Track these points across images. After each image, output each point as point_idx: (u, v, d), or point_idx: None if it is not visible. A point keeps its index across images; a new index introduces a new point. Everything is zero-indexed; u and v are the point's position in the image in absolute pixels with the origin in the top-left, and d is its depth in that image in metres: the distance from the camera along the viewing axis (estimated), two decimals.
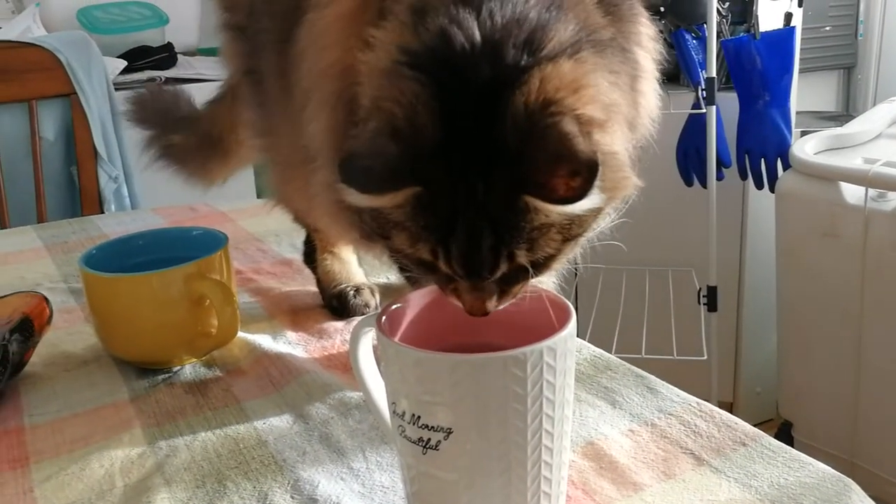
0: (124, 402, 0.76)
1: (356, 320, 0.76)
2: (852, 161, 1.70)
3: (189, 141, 1.08)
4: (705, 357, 1.92)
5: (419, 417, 0.49)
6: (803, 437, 1.94)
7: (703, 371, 2.06)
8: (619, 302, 1.85)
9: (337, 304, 0.92)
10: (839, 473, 0.62)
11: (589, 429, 0.68)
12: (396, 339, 0.54)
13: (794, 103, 2.15)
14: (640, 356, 1.84)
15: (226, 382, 0.79)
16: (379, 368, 0.56)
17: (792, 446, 1.90)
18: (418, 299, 0.57)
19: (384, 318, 0.53)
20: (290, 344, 0.86)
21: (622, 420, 0.70)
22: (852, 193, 1.67)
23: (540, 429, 0.50)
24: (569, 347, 0.50)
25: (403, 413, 0.50)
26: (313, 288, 1.00)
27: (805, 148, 1.77)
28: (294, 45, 0.67)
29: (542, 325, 0.53)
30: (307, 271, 1.06)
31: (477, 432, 0.49)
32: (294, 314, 0.94)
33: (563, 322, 0.52)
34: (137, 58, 2.07)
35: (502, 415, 0.48)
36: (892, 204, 1.62)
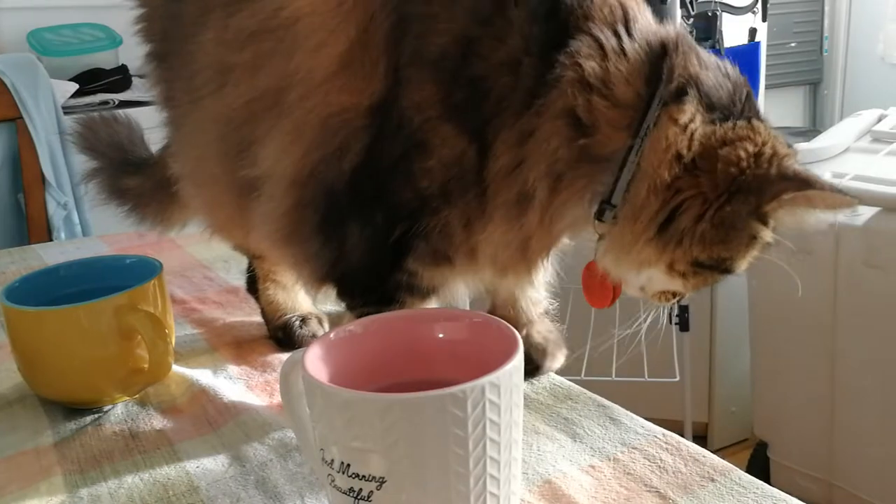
0: (47, 446, 0.70)
1: None
2: (821, 176, 1.68)
3: (144, 186, 0.98)
4: (678, 378, 1.88)
5: (349, 466, 0.44)
6: (779, 458, 1.90)
7: (676, 392, 2.02)
8: (588, 324, 1.81)
9: (282, 335, 0.87)
10: None
11: (546, 465, 0.63)
12: (328, 377, 0.49)
13: None
14: (610, 378, 1.79)
15: (159, 422, 0.73)
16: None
17: (768, 467, 1.85)
18: (357, 331, 0.52)
19: (311, 353, 0.48)
20: (231, 378, 0.81)
21: (583, 455, 0.65)
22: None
23: (484, 474, 0.45)
24: (515, 382, 0.45)
25: (332, 461, 0.45)
26: (259, 318, 0.95)
27: None
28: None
29: (496, 356, 0.48)
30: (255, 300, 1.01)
31: (413, 481, 0.44)
32: (238, 346, 0.88)
33: (510, 353, 0.47)
34: (90, 81, 2.01)
35: (441, 460, 0.43)
36: (862, 219, 1.59)
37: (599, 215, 0.61)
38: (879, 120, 1.87)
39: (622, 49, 0.58)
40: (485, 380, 0.43)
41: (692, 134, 0.58)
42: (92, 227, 1.72)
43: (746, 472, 2.00)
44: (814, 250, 1.65)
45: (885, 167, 1.67)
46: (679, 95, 0.58)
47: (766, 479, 1.92)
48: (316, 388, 0.45)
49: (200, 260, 1.17)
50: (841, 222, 1.60)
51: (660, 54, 0.59)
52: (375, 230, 0.64)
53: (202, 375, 0.81)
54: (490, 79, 0.57)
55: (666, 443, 0.66)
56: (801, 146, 1.81)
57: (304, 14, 0.62)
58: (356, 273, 0.66)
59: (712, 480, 0.61)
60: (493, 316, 0.51)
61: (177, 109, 0.78)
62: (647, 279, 0.65)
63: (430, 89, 0.58)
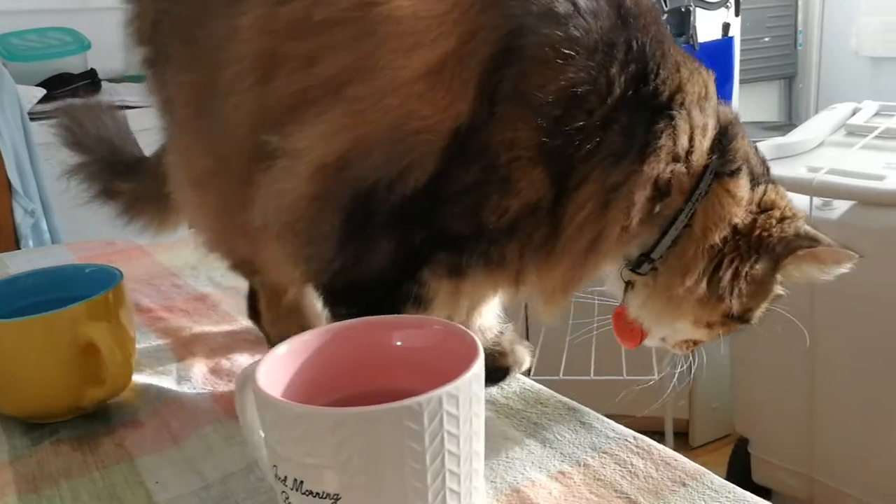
0: (2, 464, 0.68)
1: None
2: (796, 170, 1.67)
3: (138, 191, 0.94)
4: (656, 376, 1.87)
5: (302, 482, 0.42)
6: (760, 453, 1.89)
7: (656, 389, 2.01)
8: (566, 323, 1.80)
9: None
10: None
11: (515, 473, 0.62)
12: (282, 390, 0.47)
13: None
14: (589, 378, 1.78)
15: (119, 436, 0.71)
16: None
17: (748, 462, 1.84)
18: (312, 341, 0.50)
19: (264, 366, 0.46)
20: (196, 389, 0.79)
21: (552, 460, 0.63)
22: (797, 203, 1.63)
23: (443, 488, 0.43)
24: (474, 391, 0.44)
25: (286, 478, 0.43)
26: (227, 326, 0.93)
27: None
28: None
29: (457, 364, 0.46)
30: (223, 306, 0.99)
31: (368, 497, 0.42)
32: (204, 355, 0.86)
33: (470, 361, 0.45)
34: (58, 86, 1.98)
35: (398, 475, 0.42)
36: (837, 212, 1.59)
37: (636, 266, 0.67)
38: (854, 113, 1.87)
39: (705, 126, 0.63)
40: (442, 391, 0.42)
41: (744, 205, 0.65)
42: (61, 235, 1.69)
43: (728, 467, 2.00)
44: None
45: (860, 160, 1.67)
46: (735, 171, 0.65)
47: (747, 475, 1.92)
48: (267, 403, 0.43)
49: (169, 267, 1.15)
50: (816, 216, 1.59)
51: (722, 132, 0.65)
52: (408, 248, 0.62)
53: (166, 387, 0.79)
54: (587, 132, 0.59)
55: (637, 447, 0.65)
56: (777, 141, 1.81)
57: (403, 14, 0.58)
58: (367, 283, 0.63)
59: (684, 485, 0.59)
60: (453, 322, 0.49)
61: (185, 110, 0.73)
62: (675, 330, 0.72)
63: (526, 131, 0.58)
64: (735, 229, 0.65)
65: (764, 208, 0.67)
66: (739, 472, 1.95)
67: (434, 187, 0.60)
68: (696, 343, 0.74)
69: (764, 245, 0.66)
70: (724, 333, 0.71)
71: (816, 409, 1.74)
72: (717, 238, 0.64)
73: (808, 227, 0.68)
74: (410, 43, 0.58)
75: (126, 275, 0.77)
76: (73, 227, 1.71)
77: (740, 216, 0.65)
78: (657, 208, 0.62)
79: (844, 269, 0.69)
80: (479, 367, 0.44)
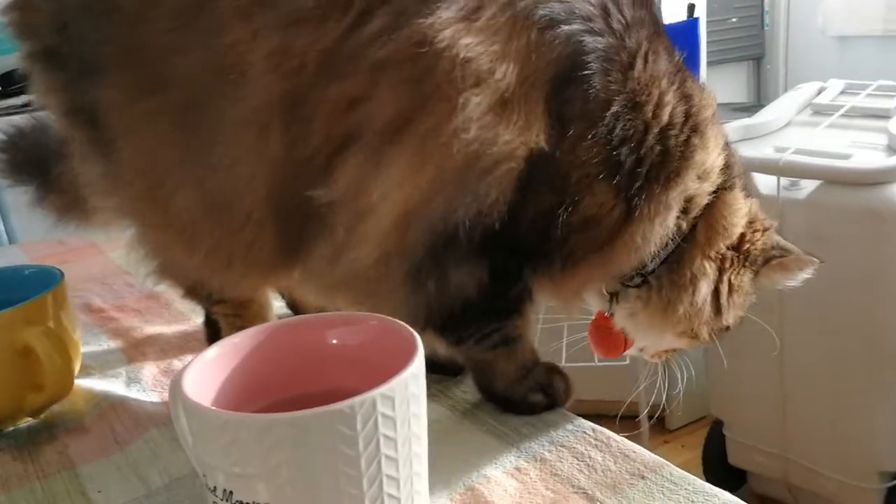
0: None
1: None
2: (763, 151, 1.66)
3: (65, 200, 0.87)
4: (627, 362, 1.86)
5: (231, 493, 0.40)
6: (735, 435, 1.89)
7: (631, 374, 2.01)
8: (537, 312, 1.78)
9: None
10: None
11: (470, 470, 0.60)
12: (212, 396, 0.44)
13: None
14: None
15: (62, 444, 0.68)
16: None
17: (724, 444, 1.83)
18: (243, 343, 0.48)
19: (192, 371, 0.44)
20: (146, 391, 0.76)
21: (508, 456, 0.61)
22: (765, 184, 1.62)
23: (381, 494, 0.41)
24: (412, 392, 0.42)
25: (215, 488, 0.41)
26: (180, 325, 0.90)
27: None
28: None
29: (397, 362, 0.44)
30: (176, 304, 0.96)
31: None
32: (155, 356, 0.83)
33: (408, 357, 0.43)
34: (13, 82, 1.93)
35: (331, 483, 0.40)
36: (804, 192, 1.58)
37: (627, 278, 0.68)
38: (819, 93, 1.86)
39: (721, 144, 0.66)
40: (376, 392, 0.40)
41: (743, 219, 0.68)
42: (18, 234, 1.65)
43: (703, 450, 1.99)
44: None
45: (826, 140, 1.66)
46: (733, 185, 0.67)
47: (723, 457, 1.92)
48: (192, 410, 0.41)
49: (122, 265, 1.12)
50: (784, 196, 1.59)
51: (725, 145, 0.67)
52: (494, 268, 0.62)
53: (114, 389, 0.76)
54: (646, 147, 0.60)
55: (596, 439, 0.63)
56: (744, 122, 1.79)
57: (462, 52, 0.56)
58: (474, 303, 0.63)
59: (642, 478, 0.58)
60: (391, 318, 0.47)
61: (151, 142, 0.64)
62: (662, 340, 0.72)
63: (593, 149, 0.58)
64: (733, 243, 0.67)
65: (751, 220, 0.69)
66: (715, 454, 1.95)
67: (513, 216, 0.59)
68: (674, 352, 0.75)
69: (751, 257, 0.68)
70: (704, 343, 0.72)
71: (788, 390, 1.74)
72: (720, 252, 0.67)
73: (778, 237, 0.71)
74: (474, 77, 0.56)
75: (78, 274, 0.75)
76: (29, 226, 1.67)
77: (740, 230, 0.68)
78: (681, 221, 0.64)
79: (808, 275, 0.72)
80: (416, 366, 0.42)
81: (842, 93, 1.83)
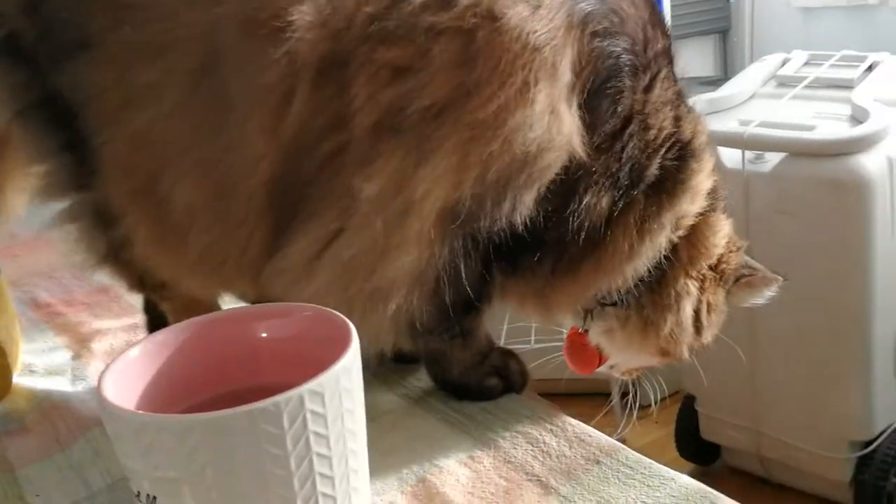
0: None
1: None
2: (728, 124, 1.65)
3: None
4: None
5: (155, 498, 0.38)
6: (706, 410, 1.89)
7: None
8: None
9: None
10: (704, 487, 0.53)
11: (422, 460, 0.58)
12: (136, 397, 0.42)
13: None
14: (530, 347, 1.75)
15: (2, 446, 0.66)
16: None
17: (697, 420, 1.81)
18: (169, 340, 0.46)
19: (113, 371, 0.42)
20: (92, 389, 0.74)
21: (461, 445, 0.60)
22: (730, 157, 1.61)
23: (314, 493, 0.39)
24: (343, 386, 0.40)
25: (139, 493, 0.39)
26: (130, 318, 0.87)
27: None
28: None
29: (332, 353, 0.42)
30: (126, 297, 0.93)
31: None
32: (103, 352, 0.81)
33: (343, 348, 0.41)
34: None
35: (259, 485, 0.38)
36: (769, 165, 1.57)
37: (606, 297, 0.66)
38: (783, 64, 1.85)
39: (713, 169, 0.66)
40: (303, 388, 0.38)
41: (723, 239, 0.68)
42: None
43: (676, 425, 1.97)
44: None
45: (790, 111, 1.65)
46: (716, 206, 0.67)
47: (696, 431, 1.92)
48: (110, 413, 0.39)
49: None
50: (749, 170, 1.58)
51: None
52: (486, 269, 0.61)
53: (58, 388, 0.74)
54: (650, 167, 0.60)
55: (551, 424, 0.61)
56: (709, 96, 1.78)
57: (531, 33, 0.53)
58: (455, 302, 0.61)
59: (597, 463, 0.56)
60: (324, 308, 0.45)
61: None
62: (636, 359, 0.73)
63: (609, 161, 0.58)
64: (712, 263, 0.68)
65: (728, 241, 0.70)
66: (687, 429, 1.95)
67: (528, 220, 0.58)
68: (641, 370, 0.77)
69: (725, 276, 0.69)
70: (685, 360, 0.72)
71: (758, 363, 1.74)
72: (701, 272, 0.67)
73: (746, 257, 0.72)
74: (544, 70, 0.53)
75: (25, 268, 0.72)
76: None
77: (720, 250, 0.68)
78: (673, 237, 0.64)
79: (773, 292, 0.73)
80: (349, 358, 0.40)
81: (806, 64, 1.81)
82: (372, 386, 0.61)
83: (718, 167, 1.59)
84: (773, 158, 1.57)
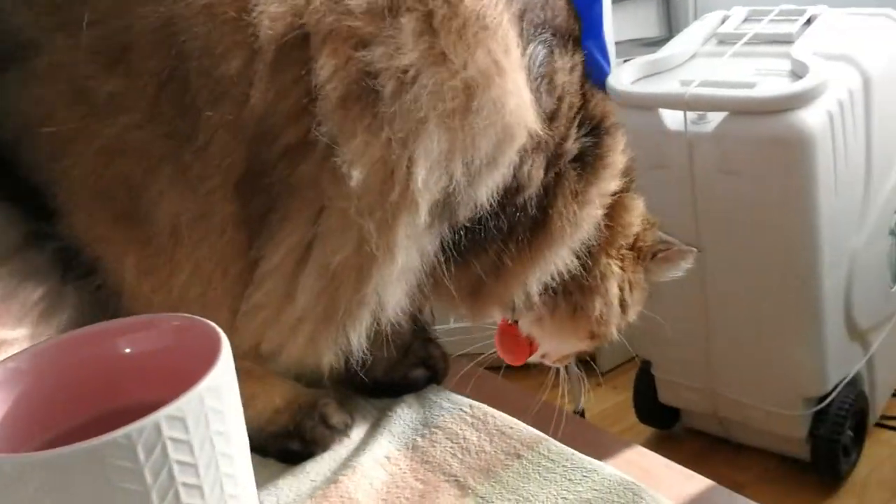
0: None
1: None
2: (669, 85, 1.63)
3: None
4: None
5: None
6: (662, 374, 1.88)
7: None
8: None
9: (298, 444, 0.58)
10: (627, 478, 0.51)
11: (332, 463, 0.55)
12: None
13: (612, 33, 2.06)
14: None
15: None
16: None
17: (653, 384, 1.80)
18: (22, 366, 0.41)
19: None
20: None
21: (379, 443, 0.57)
22: (673, 119, 1.59)
23: None
24: (210, 406, 0.36)
25: None
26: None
27: (621, 77, 1.68)
28: None
29: (203, 365, 0.38)
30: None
31: None
32: None
33: (210, 363, 0.37)
34: None
35: None
36: (712, 125, 1.55)
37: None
38: (723, 21, 1.83)
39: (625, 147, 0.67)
40: (159, 415, 0.34)
41: (639, 219, 0.70)
42: None
43: (634, 390, 1.95)
44: (668, 163, 1.60)
45: (731, 69, 1.62)
46: (630, 187, 0.68)
47: (654, 396, 1.92)
48: None
49: None
50: (692, 131, 1.55)
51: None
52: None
53: None
54: (578, 144, 0.61)
55: (472, 416, 0.59)
56: (649, 57, 1.75)
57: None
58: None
59: (518, 457, 0.54)
60: (193, 316, 0.41)
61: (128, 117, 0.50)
62: (567, 345, 0.73)
63: (553, 140, 0.59)
64: (629, 243, 0.69)
65: (642, 219, 0.71)
66: (645, 394, 1.94)
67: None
68: (575, 355, 0.78)
69: (642, 254, 0.71)
70: (607, 342, 0.74)
71: (711, 325, 1.73)
72: (620, 252, 0.68)
73: (660, 232, 0.73)
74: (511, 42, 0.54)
75: None
76: None
77: (636, 229, 0.70)
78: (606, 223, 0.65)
79: (689, 264, 0.73)
80: (217, 374, 0.37)
81: (745, 20, 1.79)
82: None
83: (661, 131, 1.55)
84: (715, 118, 1.55)
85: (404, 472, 0.53)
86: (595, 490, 0.49)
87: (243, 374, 0.50)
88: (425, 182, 0.50)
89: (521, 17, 0.56)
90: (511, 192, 0.57)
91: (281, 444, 0.57)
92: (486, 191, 0.54)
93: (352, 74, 0.48)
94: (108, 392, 0.41)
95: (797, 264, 1.57)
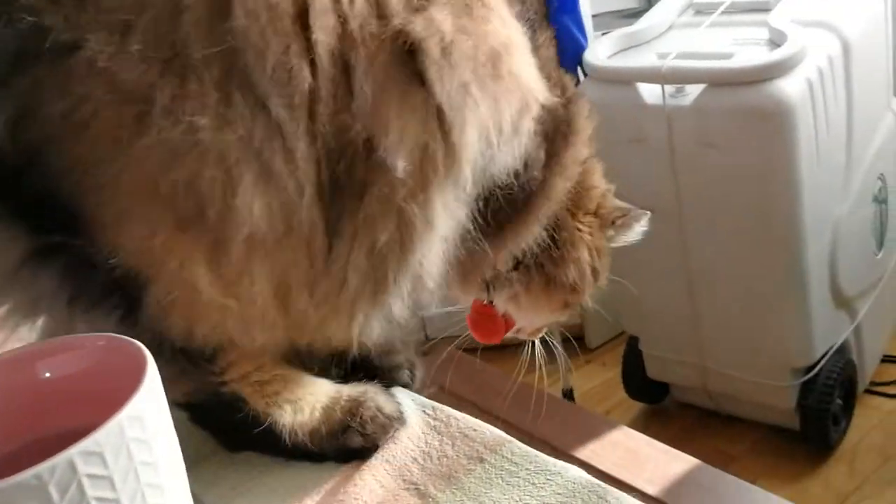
0: None
1: None
2: (646, 58, 1.60)
3: None
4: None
5: None
6: (650, 350, 1.87)
7: None
8: None
9: (358, 438, 0.55)
10: (593, 480, 0.49)
11: (293, 476, 0.53)
12: None
13: (589, 6, 2.03)
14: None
15: None
16: None
17: (642, 360, 1.80)
18: None
19: None
20: None
21: None
22: (650, 93, 1.56)
23: None
24: (132, 436, 0.34)
25: None
26: None
27: (598, 52, 1.65)
28: None
29: (127, 389, 0.36)
30: None
31: None
32: None
33: (133, 388, 0.35)
34: None
35: None
36: (690, 98, 1.52)
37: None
38: None
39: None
40: (72, 451, 0.32)
41: (600, 187, 0.72)
42: None
43: (622, 366, 1.94)
44: (647, 138, 1.58)
45: (708, 41, 1.60)
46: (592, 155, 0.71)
47: (642, 372, 1.91)
48: None
49: None
50: (670, 104, 1.53)
51: None
52: None
53: None
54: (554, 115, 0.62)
55: (435, 418, 0.57)
56: (625, 30, 1.73)
57: None
58: None
59: (481, 461, 0.52)
60: (118, 336, 0.39)
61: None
62: (541, 318, 0.75)
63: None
64: (591, 210, 0.71)
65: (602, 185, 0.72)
66: (634, 370, 1.93)
67: None
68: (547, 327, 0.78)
69: (605, 220, 0.72)
70: (580, 309, 0.76)
71: (696, 299, 1.72)
72: (584, 219, 0.70)
73: (615, 199, 0.74)
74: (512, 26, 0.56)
75: None
76: None
77: (599, 192, 0.71)
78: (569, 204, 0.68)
79: (643, 227, 0.75)
80: (139, 402, 0.34)
81: None
82: None
83: (639, 105, 1.53)
84: (693, 91, 1.53)
85: (365, 481, 0.52)
86: (559, 494, 0.48)
87: (280, 381, 0.54)
88: (472, 146, 0.52)
89: None
90: (525, 164, 0.58)
91: (340, 443, 0.55)
92: (510, 159, 0.56)
93: (388, 48, 0.49)
94: (33, 420, 0.39)
95: (781, 235, 1.55)
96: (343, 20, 0.48)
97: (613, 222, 0.72)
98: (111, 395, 0.36)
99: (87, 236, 0.47)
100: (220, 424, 0.56)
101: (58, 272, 0.48)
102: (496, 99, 0.53)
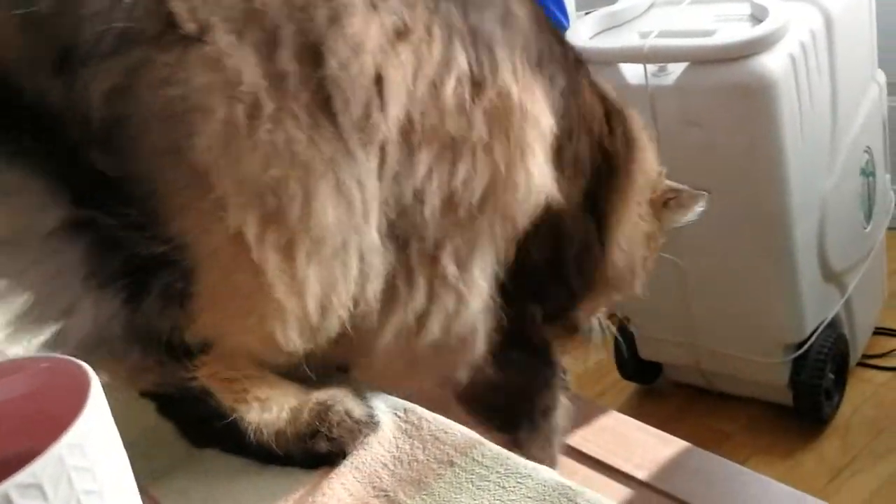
0: None
1: None
2: (627, 38, 1.58)
3: None
4: None
5: None
6: (642, 331, 1.86)
7: None
8: None
9: (324, 443, 0.54)
10: (563, 482, 0.48)
11: (262, 487, 0.52)
12: None
13: None
14: None
15: None
16: None
17: (634, 341, 1.80)
18: None
19: None
20: None
21: None
22: (633, 73, 1.55)
23: None
24: (74, 465, 0.33)
25: None
26: None
27: (580, 33, 1.63)
28: None
29: (71, 412, 0.35)
30: None
31: None
32: None
33: (80, 406, 0.34)
34: None
35: None
36: (672, 77, 1.51)
37: None
38: None
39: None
40: (7, 485, 0.31)
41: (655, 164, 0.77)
42: None
43: (615, 347, 1.93)
44: None
45: (689, 19, 1.58)
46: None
47: (634, 352, 1.90)
48: None
49: None
50: (653, 84, 1.51)
51: None
52: None
53: None
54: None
55: (406, 420, 0.56)
56: (606, 10, 1.71)
57: None
58: None
59: (451, 465, 0.51)
60: (63, 356, 0.38)
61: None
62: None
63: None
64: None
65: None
66: (626, 351, 1.93)
67: None
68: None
69: (656, 204, 0.75)
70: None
71: (686, 278, 1.71)
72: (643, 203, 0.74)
73: (666, 180, 0.77)
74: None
75: None
76: None
77: (654, 175, 0.76)
78: None
79: (702, 207, 0.78)
80: (80, 429, 0.33)
81: None
82: None
83: (622, 85, 1.51)
84: (676, 69, 1.51)
85: (334, 489, 0.51)
86: (529, 498, 0.47)
87: (250, 379, 0.53)
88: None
89: (540, 65, 0.63)
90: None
91: (307, 446, 0.53)
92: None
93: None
94: None
95: (768, 211, 1.54)
96: (410, 97, 0.54)
97: (665, 204, 0.75)
98: (58, 418, 0.35)
99: (145, 216, 0.48)
100: (187, 417, 0.55)
101: (82, 248, 0.49)
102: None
